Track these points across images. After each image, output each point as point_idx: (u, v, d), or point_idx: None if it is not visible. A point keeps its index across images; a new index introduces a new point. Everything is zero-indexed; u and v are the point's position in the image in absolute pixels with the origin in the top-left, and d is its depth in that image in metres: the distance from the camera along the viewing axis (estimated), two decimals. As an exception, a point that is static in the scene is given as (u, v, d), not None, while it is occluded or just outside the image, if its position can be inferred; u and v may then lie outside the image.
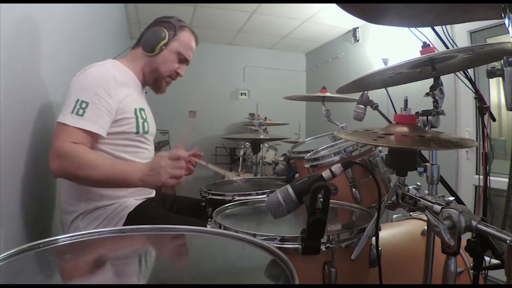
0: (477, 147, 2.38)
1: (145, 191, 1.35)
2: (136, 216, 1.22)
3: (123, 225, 1.19)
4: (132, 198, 1.28)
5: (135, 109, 1.27)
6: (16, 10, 0.99)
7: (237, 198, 1.30)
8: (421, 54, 0.97)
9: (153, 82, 1.40)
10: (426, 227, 0.87)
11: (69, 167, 1.04)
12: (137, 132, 1.26)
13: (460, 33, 2.60)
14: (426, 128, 0.91)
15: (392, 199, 0.85)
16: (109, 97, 1.16)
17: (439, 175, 0.88)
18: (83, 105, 1.10)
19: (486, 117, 1.20)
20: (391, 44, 3.42)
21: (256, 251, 0.69)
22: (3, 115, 0.90)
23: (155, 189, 1.42)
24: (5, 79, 0.91)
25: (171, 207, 1.51)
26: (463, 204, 0.84)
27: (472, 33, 2.60)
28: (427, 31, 1.07)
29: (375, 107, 1.38)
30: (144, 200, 1.33)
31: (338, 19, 3.86)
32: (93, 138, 1.14)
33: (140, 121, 1.28)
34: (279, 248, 0.66)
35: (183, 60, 1.40)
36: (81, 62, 1.67)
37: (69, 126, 1.07)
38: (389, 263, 1.01)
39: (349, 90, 1.17)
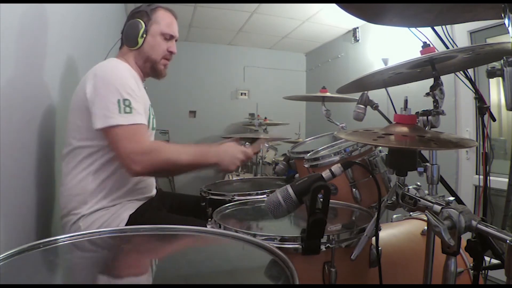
0: (477, 147, 2.38)
1: (147, 191, 1.35)
2: (137, 217, 1.22)
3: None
4: (133, 200, 1.28)
5: (149, 105, 1.31)
6: (16, 10, 0.99)
7: (237, 198, 1.30)
8: (421, 54, 0.97)
9: (151, 70, 1.40)
10: (426, 227, 0.87)
11: (156, 162, 1.10)
12: (148, 128, 1.27)
13: (460, 33, 2.60)
14: (426, 128, 0.91)
15: (392, 199, 0.85)
16: (137, 88, 1.20)
17: (439, 175, 0.88)
18: (126, 102, 1.13)
19: (486, 117, 1.20)
20: (391, 44, 3.42)
21: (256, 251, 0.69)
22: (4, 115, 0.90)
23: (154, 189, 1.43)
24: (5, 79, 0.91)
25: (171, 206, 1.51)
26: (463, 204, 0.84)
27: (472, 33, 2.59)
28: (427, 31, 1.07)
29: (375, 107, 1.38)
30: (145, 201, 1.32)
31: (338, 19, 3.86)
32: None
33: (151, 117, 1.31)
34: (279, 248, 0.66)
35: (169, 38, 1.39)
36: (81, 62, 1.67)
37: (126, 126, 1.10)
38: (389, 263, 1.01)
39: (349, 90, 1.17)
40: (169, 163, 1.12)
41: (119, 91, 1.13)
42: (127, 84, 1.16)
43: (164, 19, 1.37)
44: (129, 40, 1.35)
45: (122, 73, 1.20)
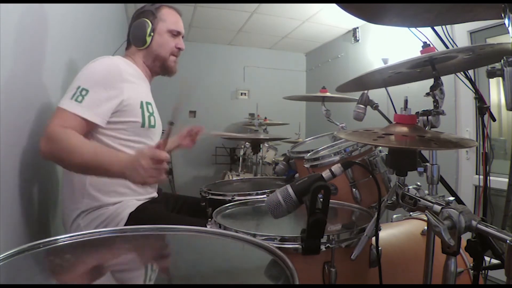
0: (477, 147, 2.38)
1: (148, 191, 1.35)
2: (137, 216, 1.22)
3: (124, 225, 1.19)
4: (134, 199, 1.28)
5: (142, 102, 1.29)
6: (16, 10, 0.99)
7: (237, 198, 1.30)
8: (421, 54, 0.97)
9: (161, 68, 1.41)
10: (426, 227, 0.87)
11: (55, 150, 1.04)
12: (143, 125, 1.27)
13: (460, 33, 2.60)
14: (426, 128, 0.91)
15: (392, 199, 0.85)
16: (111, 88, 1.17)
17: (439, 175, 0.88)
18: (83, 92, 1.11)
19: (486, 117, 1.20)
20: (391, 44, 3.42)
21: (256, 251, 0.69)
22: (3, 115, 0.90)
23: (157, 190, 1.43)
24: (5, 79, 0.91)
25: (173, 206, 1.51)
26: (463, 204, 0.84)
27: (472, 33, 2.59)
28: (427, 31, 1.07)
29: (375, 107, 1.38)
30: (146, 200, 1.33)
31: (338, 19, 3.86)
32: (89, 126, 1.14)
33: (146, 114, 1.29)
34: (279, 248, 0.66)
35: (176, 35, 1.41)
36: (80, 62, 1.67)
37: (65, 111, 1.09)
38: (389, 263, 1.01)
39: (349, 89, 1.17)
40: (61, 158, 1.06)
41: (85, 80, 1.14)
42: (101, 78, 1.16)
43: (170, 17, 1.39)
44: (137, 40, 1.36)
45: (106, 67, 1.20)
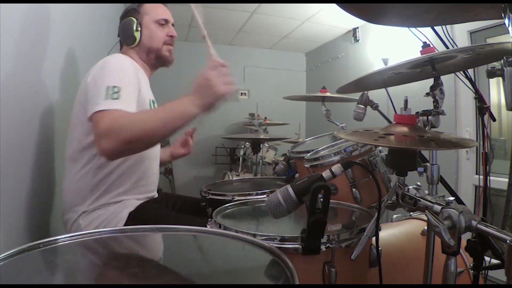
0: (477, 147, 2.38)
1: (147, 191, 1.35)
2: (137, 216, 1.22)
3: (124, 225, 1.19)
4: (133, 198, 1.28)
5: (149, 100, 1.30)
6: (16, 10, 0.99)
7: (237, 198, 1.30)
8: (421, 54, 0.97)
9: (156, 60, 1.41)
10: (426, 227, 0.87)
11: (120, 137, 0.95)
12: None
13: (460, 33, 2.60)
14: (426, 128, 0.91)
15: (392, 199, 0.85)
16: (135, 82, 1.18)
17: (439, 175, 0.88)
18: (116, 89, 1.07)
19: (486, 117, 1.20)
20: (391, 44, 3.42)
21: (256, 251, 0.69)
22: (3, 115, 0.90)
23: (156, 190, 1.43)
24: (5, 79, 0.91)
25: (173, 206, 1.51)
26: (463, 204, 0.84)
27: (472, 33, 2.59)
28: (427, 31, 1.07)
29: (375, 107, 1.38)
30: (146, 200, 1.33)
31: (338, 19, 3.86)
32: None
33: None
34: (279, 248, 0.67)
35: (165, 24, 1.40)
36: (80, 62, 1.67)
37: (106, 111, 1.01)
38: (389, 263, 1.01)
39: (349, 90, 1.17)
40: (132, 137, 0.96)
41: (111, 79, 1.10)
42: (124, 74, 1.15)
43: (153, 8, 1.39)
44: (126, 38, 1.37)
45: (121, 64, 1.20)
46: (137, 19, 1.35)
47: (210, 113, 0.99)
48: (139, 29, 1.35)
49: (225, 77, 0.99)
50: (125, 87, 1.10)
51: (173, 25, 1.44)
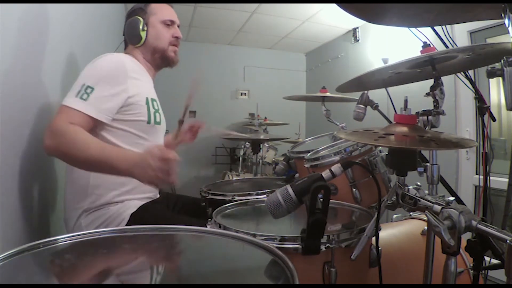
0: (477, 147, 2.38)
1: (150, 191, 1.35)
2: (138, 216, 1.22)
3: (125, 225, 1.19)
4: (136, 199, 1.28)
5: (147, 98, 1.29)
6: (16, 10, 0.99)
7: (237, 198, 1.29)
8: (421, 54, 0.97)
9: (161, 60, 1.42)
10: (426, 227, 0.87)
11: (61, 146, 1.02)
12: (149, 122, 1.27)
13: (460, 33, 2.60)
14: (426, 128, 0.91)
15: (392, 199, 0.85)
16: (117, 84, 1.17)
17: (439, 175, 0.88)
18: (88, 90, 1.11)
19: (486, 117, 1.20)
20: (391, 44, 3.42)
21: (256, 251, 0.69)
22: (3, 115, 0.90)
23: (158, 190, 1.43)
24: (5, 79, 0.91)
25: (173, 206, 1.51)
26: (463, 204, 0.84)
27: (472, 33, 2.59)
28: (427, 31, 1.07)
29: (375, 107, 1.38)
30: (148, 201, 1.32)
31: (338, 19, 3.86)
32: (94, 123, 1.14)
33: (152, 110, 1.29)
34: (279, 248, 0.66)
35: (170, 24, 1.41)
36: (80, 62, 1.67)
37: (70, 108, 1.08)
38: (389, 263, 1.01)
39: (349, 89, 1.17)
40: (66, 154, 1.03)
41: (90, 78, 1.13)
42: (106, 76, 1.16)
43: (160, 8, 1.40)
44: (132, 38, 1.37)
45: (110, 64, 1.20)
46: (143, 19, 1.35)
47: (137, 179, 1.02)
48: (145, 28, 1.35)
49: (163, 172, 0.97)
50: (100, 90, 1.12)
51: (178, 26, 1.44)
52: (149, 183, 1.02)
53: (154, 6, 1.39)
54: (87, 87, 1.11)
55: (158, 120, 1.31)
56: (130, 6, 1.44)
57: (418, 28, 1.13)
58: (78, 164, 1.09)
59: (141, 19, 1.34)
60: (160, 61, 1.41)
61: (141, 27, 1.34)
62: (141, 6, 1.38)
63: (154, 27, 1.37)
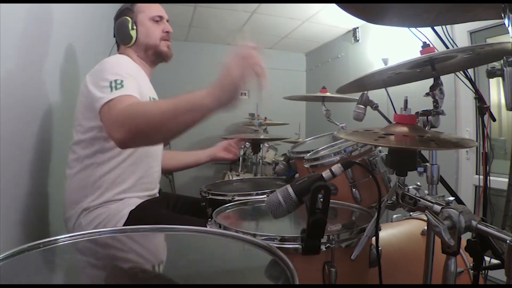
0: (477, 147, 2.38)
1: (149, 188, 1.35)
2: (137, 215, 1.22)
3: (124, 223, 1.20)
4: (134, 197, 1.28)
5: (150, 97, 1.30)
6: (16, 10, 0.99)
7: (237, 198, 1.29)
8: (421, 54, 0.97)
9: (155, 56, 1.42)
10: (426, 227, 0.87)
11: (138, 126, 0.91)
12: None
13: (460, 33, 2.60)
14: (426, 128, 0.91)
15: (392, 199, 0.85)
16: (134, 76, 1.18)
17: (439, 175, 0.88)
18: (118, 81, 1.07)
19: (486, 117, 1.20)
20: (391, 44, 3.42)
21: (256, 251, 0.69)
22: (3, 115, 0.90)
23: (158, 189, 1.43)
24: (5, 79, 0.91)
25: (173, 206, 1.51)
26: (463, 204, 0.84)
27: (472, 33, 2.59)
28: (427, 31, 1.07)
29: (375, 107, 1.38)
30: (147, 199, 1.33)
31: (338, 19, 3.86)
32: None
33: None
34: (279, 248, 0.66)
35: (159, 20, 1.41)
36: (80, 62, 1.67)
37: (113, 99, 1.01)
38: (389, 263, 1.01)
39: (349, 90, 1.17)
40: (145, 126, 0.91)
41: (113, 74, 1.10)
42: (122, 68, 1.16)
43: (147, 6, 1.40)
44: (123, 38, 1.37)
45: (119, 60, 1.22)
46: (131, 18, 1.35)
47: (229, 109, 0.90)
48: (134, 27, 1.35)
49: (251, 64, 0.88)
50: (126, 78, 1.10)
51: (167, 21, 1.44)
52: (240, 81, 0.90)
53: (140, 5, 1.39)
54: (115, 81, 1.06)
55: None
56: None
57: (418, 28, 1.13)
58: (165, 130, 0.92)
59: (129, 18, 1.35)
60: (154, 57, 1.42)
61: (130, 26, 1.34)
62: (128, 6, 1.38)
63: (143, 25, 1.37)
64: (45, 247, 0.68)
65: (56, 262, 0.69)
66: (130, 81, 1.11)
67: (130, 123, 0.92)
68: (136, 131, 0.92)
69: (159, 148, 1.43)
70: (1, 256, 0.60)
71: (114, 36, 1.43)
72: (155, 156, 1.38)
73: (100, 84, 1.09)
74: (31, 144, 1.14)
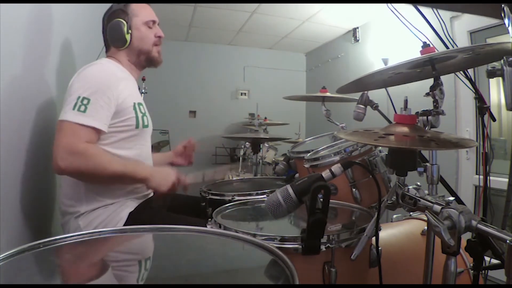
0: (477, 147, 2.38)
1: (143, 191, 1.35)
2: (136, 216, 1.22)
3: (124, 224, 1.20)
4: (133, 198, 1.28)
5: (134, 103, 1.28)
6: (16, 10, 0.99)
7: (237, 198, 1.29)
8: (421, 54, 0.97)
9: (146, 61, 1.40)
10: (426, 227, 0.87)
11: (83, 166, 1.06)
12: (137, 126, 1.27)
13: (460, 33, 2.60)
14: (426, 128, 0.91)
15: (392, 199, 0.85)
16: (109, 92, 1.17)
17: (439, 175, 0.88)
18: (85, 101, 1.11)
19: (486, 117, 1.20)
20: (391, 44, 3.42)
21: (256, 251, 0.69)
22: (3, 115, 0.90)
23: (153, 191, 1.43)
24: (6, 78, 0.91)
25: (173, 206, 1.51)
26: (463, 204, 0.83)
27: (472, 33, 2.59)
28: (427, 31, 1.07)
29: (375, 107, 1.38)
30: (145, 199, 1.32)
31: (338, 19, 3.86)
32: (97, 134, 1.15)
33: (140, 115, 1.28)
34: (279, 248, 0.66)
35: (153, 25, 1.39)
36: (80, 62, 1.67)
37: (71, 123, 1.08)
38: (389, 263, 1.01)
39: (349, 90, 1.17)
40: (95, 170, 1.08)
41: (83, 89, 1.13)
42: (98, 85, 1.16)
43: (141, 9, 1.37)
44: (116, 41, 1.34)
45: (101, 73, 1.21)
46: (126, 21, 1.32)
47: (152, 188, 1.22)
48: (129, 31, 1.33)
49: (173, 185, 1.21)
50: (95, 100, 1.13)
51: (158, 24, 1.43)
52: (158, 189, 1.19)
53: (134, 7, 1.35)
54: (83, 99, 1.11)
55: (146, 123, 1.31)
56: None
57: (417, 28, 1.13)
58: (99, 181, 1.17)
59: (124, 21, 1.31)
60: (145, 62, 1.40)
61: (125, 30, 1.31)
62: (121, 7, 1.34)
63: (138, 30, 1.34)
64: (45, 247, 0.68)
65: (56, 262, 0.69)
66: (98, 104, 1.13)
67: (79, 163, 1.06)
68: (80, 172, 1.08)
69: (149, 152, 1.42)
70: (1, 256, 0.60)
71: (105, 37, 1.38)
72: (147, 161, 1.38)
73: (69, 94, 1.14)
74: (31, 143, 1.14)
